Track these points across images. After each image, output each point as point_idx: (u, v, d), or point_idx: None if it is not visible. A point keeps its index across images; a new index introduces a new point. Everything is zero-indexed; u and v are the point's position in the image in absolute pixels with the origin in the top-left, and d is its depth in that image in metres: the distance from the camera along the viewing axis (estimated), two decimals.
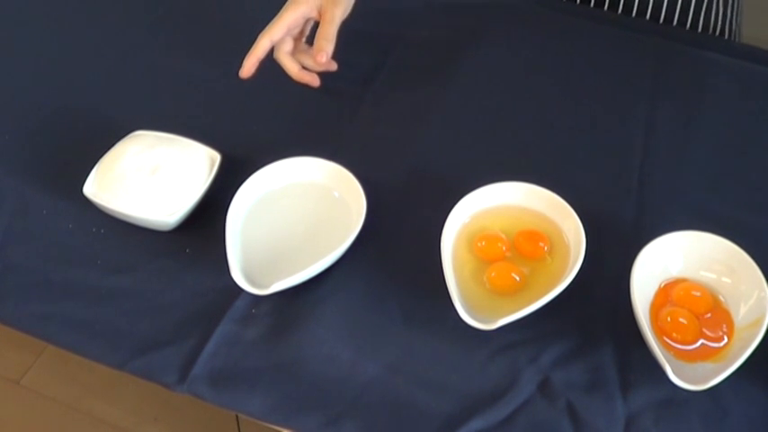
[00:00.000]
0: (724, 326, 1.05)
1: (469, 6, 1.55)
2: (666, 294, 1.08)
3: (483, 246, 1.10)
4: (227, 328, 1.05)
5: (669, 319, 1.04)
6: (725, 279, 1.09)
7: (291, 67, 1.25)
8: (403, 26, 1.51)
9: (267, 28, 1.22)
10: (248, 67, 1.22)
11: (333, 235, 1.05)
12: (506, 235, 1.11)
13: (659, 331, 1.03)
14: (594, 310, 1.09)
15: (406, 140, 1.25)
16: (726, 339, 1.05)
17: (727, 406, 1.02)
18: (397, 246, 1.09)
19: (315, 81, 1.26)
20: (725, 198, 1.26)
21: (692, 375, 0.98)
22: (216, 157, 1.14)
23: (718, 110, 1.38)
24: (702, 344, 1.05)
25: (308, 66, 1.27)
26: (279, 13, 1.23)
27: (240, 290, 1.04)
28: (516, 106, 1.33)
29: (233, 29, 1.46)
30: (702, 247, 1.10)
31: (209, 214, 1.12)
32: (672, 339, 1.04)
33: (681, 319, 1.05)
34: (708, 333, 1.05)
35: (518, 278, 1.07)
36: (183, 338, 1.04)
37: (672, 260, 1.10)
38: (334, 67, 1.26)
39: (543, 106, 1.37)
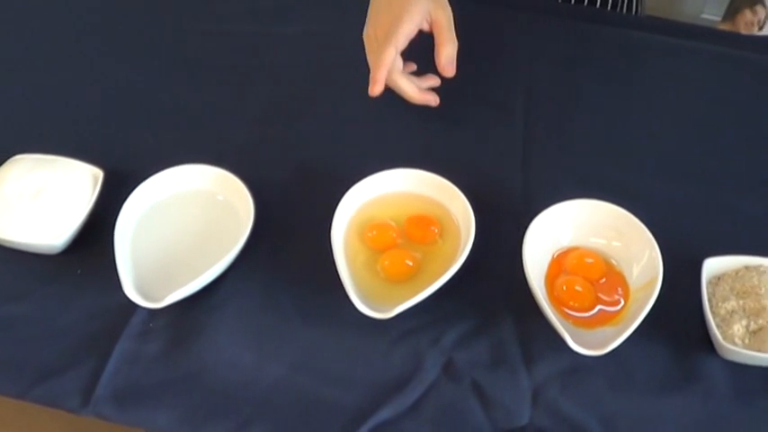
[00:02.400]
0: (619, 289, 1.08)
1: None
2: (560, 264, 1.10)
3: (374, 235, 1.11)
4: (125, 346, 1.04)
5: (565, 288, 1.07)
6: (615, 243, 1.12)
7: (410, 88, 1.22)
8: (275, 23, 1.53)
9: (389, 38, 1.17)
10: (381, 80, 1.18)
11: (223, 240, 1.04)
12: (396, 222, 1.13)
13: (556, 301, 1.06)
14: (491, 288, 1.11)
15: (287, 138, 1.27)
16: (622, 302, 1.08)
17: (630, 367, 1.05)
18: (288, 244, 1.10)
19: (436, 99, 1.24)
20: (608, 164, 1.30)
21: (593, 341, 1.00)
22: (99, 174, 1.14)
23: (599, 78, 1.42)
24: (600, 309, 1.08)
25: (417, 84, 1.24)
26: (394, 23, 1.19)
27: (135, 306, 1.04)
28: (391, 92, 1.32)
29: (105, 45, 1.45)
30: (591, 214, 1.13)
31: (97, 232, 1.12)
32: (569, 308, 1.06)
33: (576, 287, 1.08)
34: (604, 298, 1.08)
35: (411, 264, 1.08)
36: (83, 361, 1.03)
37: (562, 230, 1.13)
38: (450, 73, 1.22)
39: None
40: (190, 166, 1.16)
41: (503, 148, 1.31)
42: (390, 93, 1.32)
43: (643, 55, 1.43)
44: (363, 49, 1.36)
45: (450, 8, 1.26)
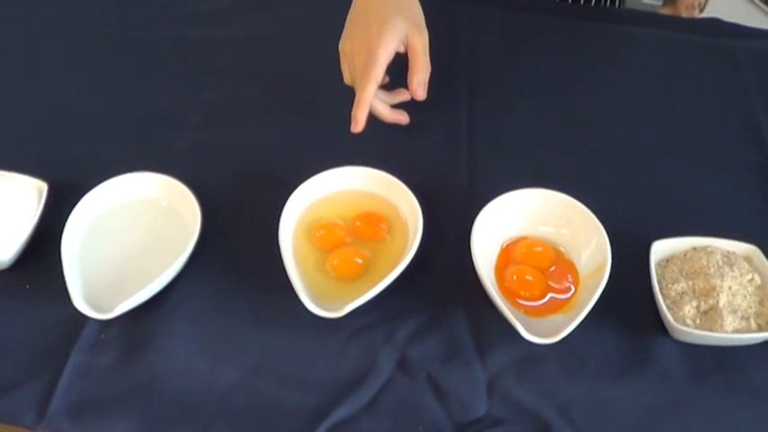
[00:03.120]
0: (569, 276, 1.09)
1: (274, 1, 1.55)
2: (509, 254, 1.11)
3: (322, 235, 1.11)
4: (78, 359, 1.04)
5: (515, 278, 1.08)
6: (563, 231, 1.14)
7: (383, 109, 1.22)
8: (213, 26, 1.53)
9: (367, 72, 1.17)
10: (363, 119, 1.18)
11: (171, 247, 1.04)
12: (344, 221, 1.13)
13: (507, 292, 1.07)
14: (441, 281, 1.11)
15: (231, 141, 1.25)
16: (572, 289, 1.09)
17: (583, 353, 1.06)
18: (237, 248, 1.10)
19: (406, 118, 1.25)
20: (553, 153, 1.31)
21: (545, 329, 1.01)
22: (43, 186, 1.13)
23: (540, 68, 1.43)
24: (551, 297, 1.09)
25: (388, 102, 1.25)
26: (372, 53, 1.18)
27: (86, 317, 1.03)
28: (334, 91, 1.33)
29: (43, 55, 1.46)
30: (537, 203, 1.14)
31: (44, 246, 1.12)
32: (520, 297, 1.07)
33: (526, 277, 1.09)
34: (554, 286, 1.09)
35: (361, 261, 1.09)
36: (37, 376, 1.03)
37: (509, 220, 1.14)
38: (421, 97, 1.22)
39: None
40: (134, 174, 1.16)
41: (448, 142, 1.32)
42: (327, 96, 1.36)
43: (583, 42, 1.44)
44: (305, 51, 1.42)
45: (426, 32, 1.27)
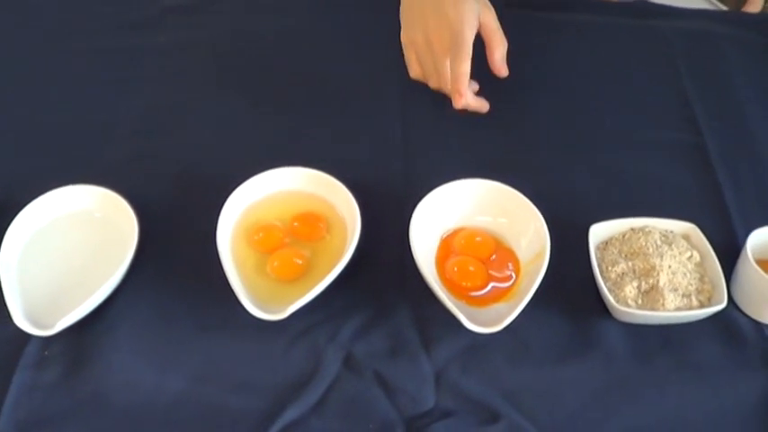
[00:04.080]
0: (510, 264, 1.10)
1: (204, 5, 1.59)
2: (448, 246, 1.12)
3: (260, 237, 1.11)
4: (22, 377, 1.03)
5: (456, 269, 1.08)
6: (501, 219, 1.15)
7: (470, 97, 1.22)
8: (143, 35, 1.52)
9: (460, 48, 1.18)
10: (465, 91, 1.20)
11: (110, 259, 1.04)
12: (282, 222, 1.13)
13: (448, 283, 1.07)
14: (383, 277, 1.12)
15: (164, 149, 1.24)
16: (514, 277, 1.10)
17: (528, 339, 1.07)
18: (177, 255, 1.09)
19: (487, 105, 1.25)
20: (487, 142, 1.32)
21: (489, 318, 1.02)
22: None
23: (472, 58, 1.43)
24: (493, 286, 1.10)
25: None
26: (458, 33, 1.19)
27: (28, 335, 1.03)
28: (265, 93, 1.35)
29: None
30: (474, 193, 1.16)
31: None
32: (462, 288, 1.08)
33: (467, 267, 1.10)
34: (495, 275, 1.10)
35: (301, 262, 1.09)
36: None
37: (447, 212, 1.15)
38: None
39: (294, 88, 1.41)
40: (69, 187, 1.15)
41: (381, 138, 1.32)
42: (264, 94, 1.33)
43: (513, 31, 1.44)
44: (234, 55, 1.42)
45: (492, 8, 1.27)
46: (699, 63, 1.48)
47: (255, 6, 1.52)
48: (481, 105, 1.27)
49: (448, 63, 1.22)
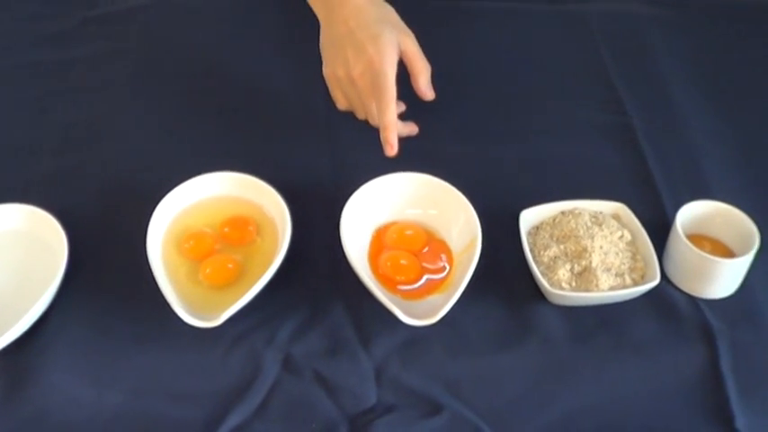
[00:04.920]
0: (443, 256, 1.11)
1: (127, 15, 1.58)
2: (380, 241, 1.13)
3: (191, 245, 1.11)
4: None
5: (389, 263, 1.09)
6: (431, 211, 1.16)
7: (399, 127, 1.21)
8: (64, 47, 1.51)
9: (383, 94, 1.18)
10: (395, 141, 1.18)
11: (41, 277, 1.03)
12: (212, 228, 1.13)
13: (382, 278, 1.08)
14: (317, 276, 1.12)
15: (90, 162, 1.23)
16: (447, 268, 1.11)
17: (465, 329, 1.08)
18: (109, 268, 1.09)
19: (415, 128, 1.26)
20: (414, 135, 1.32)
21: (424, 311, 1.03)
22: None
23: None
24: (427, 279, 1.10)
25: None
26: (379, 73, 1.19)
27: None
28: (189, 102, 1.36)
29: None
30: (403, 187, 1.16)
31: None
32: (397, 282, 1.09)
33: (400, 261, 1.10)
34: (429, 267, 1.10)
35: (232, 267, 1.09)
36: None
37: (377, 207, 1.15)
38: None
39: (217, 93, 1.42)
40: None
41: (308, 137, 1.32)
42: (188, 102, 1.35)
43: (432, 23, 1.45)
44: (157, 65, 1.44)
45: (411, 32, 1.28)
46: (620, 44, 1.50)
47: (176, 15, 1.50)
48: (410, 131, 1.29)
49: (373, 106, 1.23)
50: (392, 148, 1.18)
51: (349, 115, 1.33)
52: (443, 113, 1.35)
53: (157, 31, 1.51)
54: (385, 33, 1.22)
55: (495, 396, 1.05)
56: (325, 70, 1.30)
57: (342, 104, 1.30)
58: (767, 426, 1.05)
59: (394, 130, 1.15)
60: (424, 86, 1.26)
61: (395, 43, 1.22)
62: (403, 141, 1.22)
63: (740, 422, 1.04)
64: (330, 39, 1.29)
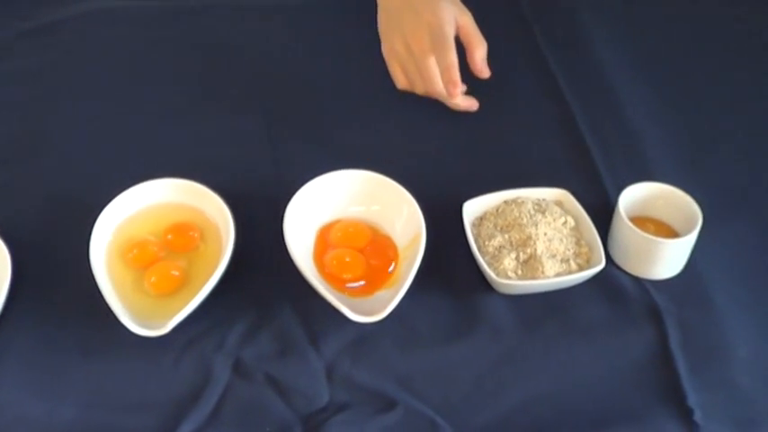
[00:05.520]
0: (388, 251, 1.12)
1: (61, 26, 1.57)
2: (325, 239, 1.14)
3: (135, 254, 1.11)
4: None
5: (335, 262, 1.10)
6: (374, 207, 1.16)
7: (460, 98, 1.24)
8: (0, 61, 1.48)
9: (442, 41, 1.21)
10: (458, 79, 1.22)
11: None
12: (155, 236, 1.13)
13: (329, 277, 1.09)
14: (264, 278, 1.12)
15: (31, 175, 1.23)
16: (393, 264, 1.11)
17: (414, 323, 1.08)
18: (54, 283, 1.08)
19: (476, 104, 1.27)
20: (353, 131, 1.34)
21: (372, 307, 1.03)
22: None
23: (324, 49, 1.45)
24: (374, 275, 1.11)
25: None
26: (437, 31, 1.21)
27: None
28: (127, 110, 1.38)
29: None
30: (345, 184, 1.17)
31: None
32: (343, 280, 1.09)
33: (346, 259, 1.11)
34: (375, 263, 1.11)
35: (177, 274, 1.09)
36: None
37: (320, 206, 1.16)
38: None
39: (153, 97, 1.42)
40: None
41: (248, 139, 1.33)
42: (126, 111, 1.35)
43: (354, 17, 1.45)
44: (93, 77, 1.43)
45: (468, 11, 1.28)
46: (556, 31, 1.52)
47: (110, 24, 1.50)
48: (470, 104, 1.30)
49: (432, 62, 1.24)
50: (455, 86, 1.20)
51: (288, 114, 1.36)
52: (383, 108, 1.36)
53: (92, 40, 1.49)
54: (443, 3, 1.24)
55: (448, 388, 1.05)
56: (384, 48, 1.31)
57: (401, 82, 1.31)
58: (718, 401, 1.06)
59: (456, 71, 1.18)
60: (480, 62, 1.27)
61: (452, 13, 1.24)
62: (344, 139, 1.26)
63: (692, 399, 1.05)
64: (387, 15, 1.31)
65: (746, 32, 1.56)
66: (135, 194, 1.15)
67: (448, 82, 1.20)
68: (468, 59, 1.26)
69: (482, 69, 1.26)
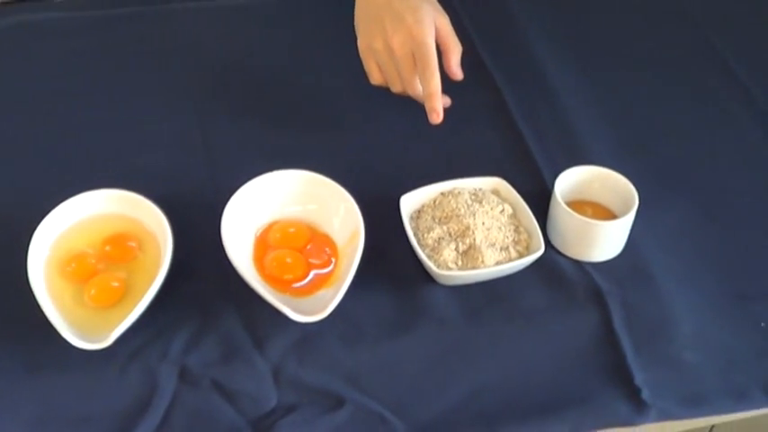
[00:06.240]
0: (327, 249, 1.13)
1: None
2: (264, 242, 1.14)
3: (73, 268, 1.10)
4: None
5: (275, 263, 1.10)
6: (311, 206, 1.17)
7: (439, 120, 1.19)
8: None
9: (427, 63, 1.20)
10: (441, 109, 1.21)
11: None
12: (93, 248, 1.13)
13: (270, 279, 1.09)
14: (206, 284, 1.13)
15: None
16: (333, 261, 1.12)
17: (358, 320, 1.09)
18: None
19: (449, 100, 1.24)
20: (286, 131, 1.35)
21: (315, 307, 1.04)
22: None
23: (257, 51, 1.45)
24: (315, 274, 1.12)
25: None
26: (422, 43, 1.20)
27: None
28: (59, 120, 1.37)
29: None
30: (280, 185, 1.17)
31: None
32: (285, 281, 1.10)
33: (286, 260, 1.12)
34: (315, 262, 1.12)
35: (117, 285, 1.09)
36: None
37: (257, 208, 1.16)
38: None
39: (82, 107, 1.41)
40: None
41: (181, 144, 1.33)
42: (58, 121, 1.35)
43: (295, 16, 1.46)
44: (14, 90, 1.42)
45: (445, 13, 1.28)
46: (484, 17, 1.57)
47: (36, 36, 1.50)
48: (446, 102, 1.29)
49: (411, 70, 1.25)
50: (438, 116, 1.21)
51: (220, 118, 1.36)
52: (314, 105, 1.38)
53: (20, 53, 1.49)
54: (423, 6, 1.24)
55: (395, 383, 1.06)
56: (360, 43, 1.30)
57: (376, 78, 1.31)
58: (665, 378, 1.08)
59: (439, 98, 1.17)
60: (455, 66, 1.27)
61: (432, 17, 1.24)
62: (278, 140, 1.28)
63: (639, 378, 1.07)
64: (366, 12, 1.31)
65: (678, 15, 1.56)
66: (70, 208, 1.14)
67: (431, 110, 1.22)
68: (444, 63, 1.26)
69: (456, 73, 1.27)
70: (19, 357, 1.06)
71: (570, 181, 1.13)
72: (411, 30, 1.22)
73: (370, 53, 1.29)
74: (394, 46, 1.24)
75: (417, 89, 1.25)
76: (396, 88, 1.29)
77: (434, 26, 1.24)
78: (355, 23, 1.33)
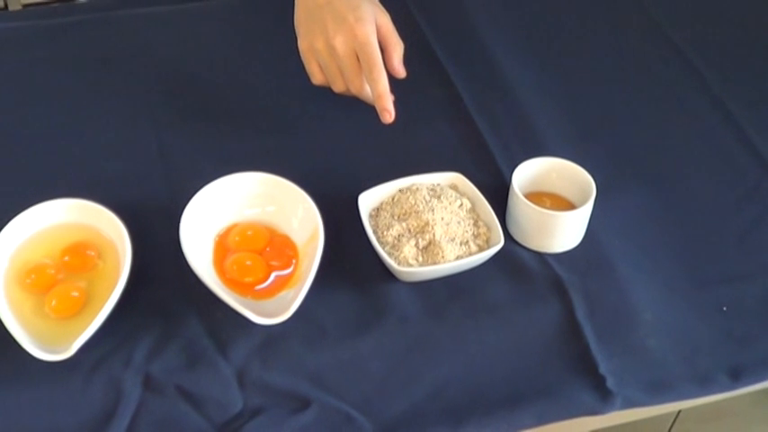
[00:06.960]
0: (287, 251, 1.13)
1: None
2: (223, 245, 1.15)
3: (33, 279, 1.10)
4: None
5: (235, 267, 1.11)
6: (269, 208, 1.18)
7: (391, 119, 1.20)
8: None
9: (373, 63, 1.21)
10: (391, 107, 1.23)
11: None
12: (52, 258, 1.12)
13: (230, 282, 1.10)
14: (167, 290, 1.13)
15: None
16: (294, 262, 1.12)
17: (321, 320, 1.10)
18: None
19: (392, 97, 1.22)
20: (240, 134, 1.36)
21: (277, 308, 1.05)
22: None
23: (206, 53, 1.47)
24: (276, 276, 1.12)
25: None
26: (365, 43, 1.21)
27: None
28: (15, 128, 1.37)
29: None
30: (237, 188, 1.18)
31: None
32: (246, 284, 1.10)
33: (246, 262, 1.12)
34: (275, 264, 1.12)
35: (78, 294, 1.09)
36: None
37: (215, 212, 1.17)
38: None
39: (33, 119, 1.40)
40: None
41: (136, 150, 1.33)
42: (13, 129, 1.35)
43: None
44: None
45: (386, 11, 1.29)
46: (437, 14, 1.57)
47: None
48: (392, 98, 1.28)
49: (354, 69, 1.27)
50: (390, 115, 1.23)
51: (175, 123, 1.36)
52: (270, 110, 1.39)
53: None
54: (364, 5, 1.25)
55: (360, 382, 1.07)
56: (301, 44, 1.31)
57: (318, 79, 1.32)
58: (629, 366, 1.09)
59: (389, 97, 1.19)
60: (397, 64, 1.28)
61: (373, 15, 1.25)
62: (234, 143, 1.29)
63: (603, 367, 1.08)
64: (306, 12, 1.31)
65: (632, 3, 1.58)
66: (27, 219, 1.14)
67: (382, 109, 1.23)
68: (386, 60, 1.27)
69: (399, 71, 1.28)
70: None
71: (528, 173, 1.14)
72: (353, 29, 1.23)
73: (312, 54, 1.30)
74: (336, 45, 1.25)
75: (362, 89, 1.27)
76: (338, 88, 1.30)
77: (375, 24, 1.24)
78: (295, 24, 1.33)
